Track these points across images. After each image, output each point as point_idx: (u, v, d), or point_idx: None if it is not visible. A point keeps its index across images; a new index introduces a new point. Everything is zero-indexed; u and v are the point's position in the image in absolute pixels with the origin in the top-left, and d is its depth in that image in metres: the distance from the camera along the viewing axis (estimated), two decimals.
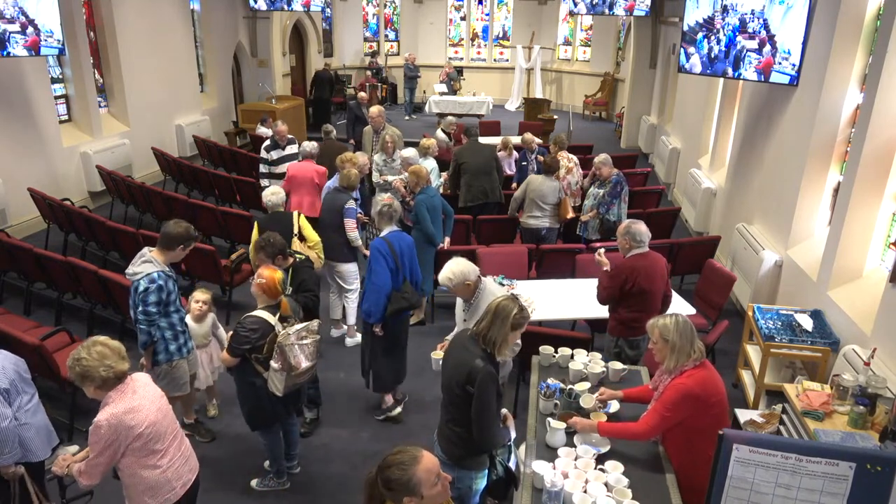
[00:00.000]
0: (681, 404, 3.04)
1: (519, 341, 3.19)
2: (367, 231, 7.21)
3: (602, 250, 4.63)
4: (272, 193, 5.68)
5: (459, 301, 3.92)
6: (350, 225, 5.67)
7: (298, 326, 3.77)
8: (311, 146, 7.37)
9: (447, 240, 6.30)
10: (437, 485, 2.03)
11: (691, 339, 3.09)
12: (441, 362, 3.68)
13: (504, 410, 3.28)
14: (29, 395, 3.43)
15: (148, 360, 4.12)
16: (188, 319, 4.51)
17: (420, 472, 1.99)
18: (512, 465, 3.31)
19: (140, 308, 3.94)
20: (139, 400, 2.83)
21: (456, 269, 3.71)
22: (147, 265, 3.96)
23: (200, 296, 4.67)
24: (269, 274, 3.82)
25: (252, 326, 3.71)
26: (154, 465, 2.90)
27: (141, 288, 3.92)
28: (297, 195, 6.96)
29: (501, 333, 2.99)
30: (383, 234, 4.80)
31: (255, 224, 5.58)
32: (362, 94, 11.03)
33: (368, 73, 16.37)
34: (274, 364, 3.70)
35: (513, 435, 3.33)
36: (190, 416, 4.71)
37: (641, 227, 4.38)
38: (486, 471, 3.20)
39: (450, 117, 9.31)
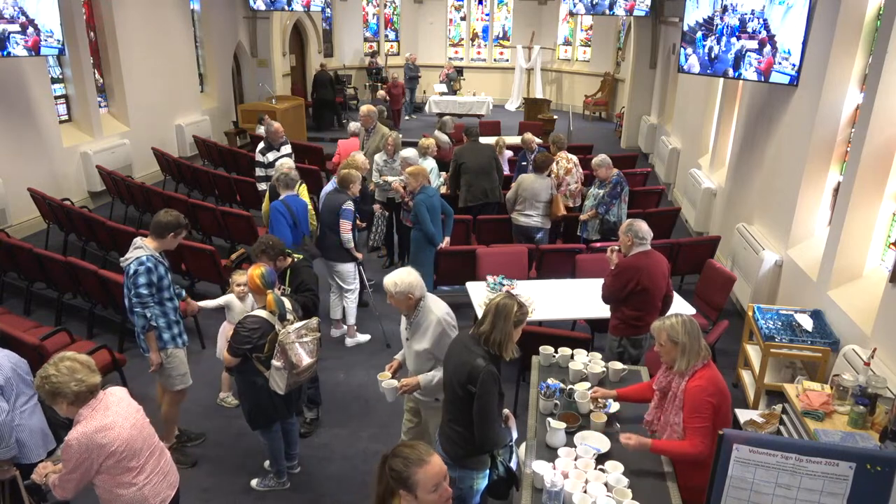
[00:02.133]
0: (709, 406, 3.00)
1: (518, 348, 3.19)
2: (370, 231, 7.16)
3: (616, 248, 4.59)
4: (282, 163, 6.64)
5: (404, 319, 3.77)
6: (345, 226, 5.66)
7: (298, 325, 3.78)
8: (355, 126, 8.58)
9: (447, 240, 6.29)
10: (435, 493, 2.05)
11: (699, 337, 3.08)
12: (387, 386, 3.62)
13: (506, 411, 3.29)
14: (27, 395, 3.41)
15: (152, 346, 4.15)
16: (232, 298, 4.84)
17: (419, 474, 2.02)
18: (513, 465, 3.31)
19: (133, 291, 4.02)
20: (112, 417, 2.76)
21: (405, 278, 3.51)
22: (137, 251, 4.07)
23: (239, 279, 4.86)
24: (250, 272, 3.85)
25: (252, 326, 3.71)
26: (130, 482, 2.83)
27: (131, 271, 4.02)
28: None
29: (505, 332, 3.01)
30: (281, 197, 5.60)
31: (268, 189, 6.46)
32: (381, 92, 12.45)
33: (395, 75, 16.51)
34: (276, 362, 3.71)
35: (514, 435, 3.33)
36: (170, 439, 4.56)
37: (643, 226, 4.42)
38: (488, 471, 3.20)
39: (447, 118, 9.37)
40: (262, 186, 7.72)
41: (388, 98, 12.93)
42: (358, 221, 6.00)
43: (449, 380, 3.15)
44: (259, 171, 7.86)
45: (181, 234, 4.22)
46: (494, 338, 3.01)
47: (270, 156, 7.81)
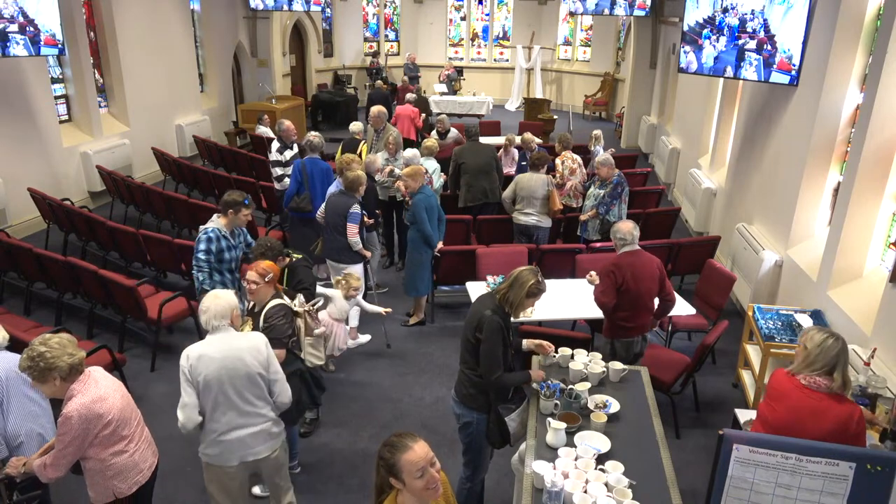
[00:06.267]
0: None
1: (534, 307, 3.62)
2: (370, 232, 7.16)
3: (594, 273, 4.66)
4: (353, 124, 8.08)
5: None
6: (352, 230, 5.65)
7: (300, 298, 4.12)
8: (412, 97, 11.49)
9: (440, 244, 6.26)
10: (421, 479, 2.15)
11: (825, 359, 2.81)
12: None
13: (539, 341, 3.81)
14: (31, 400, 3.37)
15: None
16: (337, 293, 5.13)
17: (403, 460, 2.18)
18: (511, 424, 3.54)
19: (194, 255, 4.67)
20: (104, 389, 2.92)
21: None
22: (209, 223, 4.79)
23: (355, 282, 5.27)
24: (274, 265, 3.91)
25: (281, 313, 3.71)
26: (122, 449, 2.99)
27: (197, 238, 4.72)
28: (401, 124, 10.39)
29: (518, 297, 3.43)
30: (304, 159, 6.87)
31: (340, 146, 7.70)
32: (380, 83, 14.61)
33: (405, 78, 16.59)
34: (316, 331, 4.26)
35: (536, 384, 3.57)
36: None
37: (624, 226, 4.43)
38: (485, 415, 3.53)
39: (442, 115, 10.33)
40: (280, 185, 7.73)
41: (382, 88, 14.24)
42: (367, 219, 6.09)
43: (465, 328, 3.57)
44: (278, 170, 7.80)
45: (242, 211, 4.79)
46: (508, 297, 3.44)
47: (288, 154, 7.79)
